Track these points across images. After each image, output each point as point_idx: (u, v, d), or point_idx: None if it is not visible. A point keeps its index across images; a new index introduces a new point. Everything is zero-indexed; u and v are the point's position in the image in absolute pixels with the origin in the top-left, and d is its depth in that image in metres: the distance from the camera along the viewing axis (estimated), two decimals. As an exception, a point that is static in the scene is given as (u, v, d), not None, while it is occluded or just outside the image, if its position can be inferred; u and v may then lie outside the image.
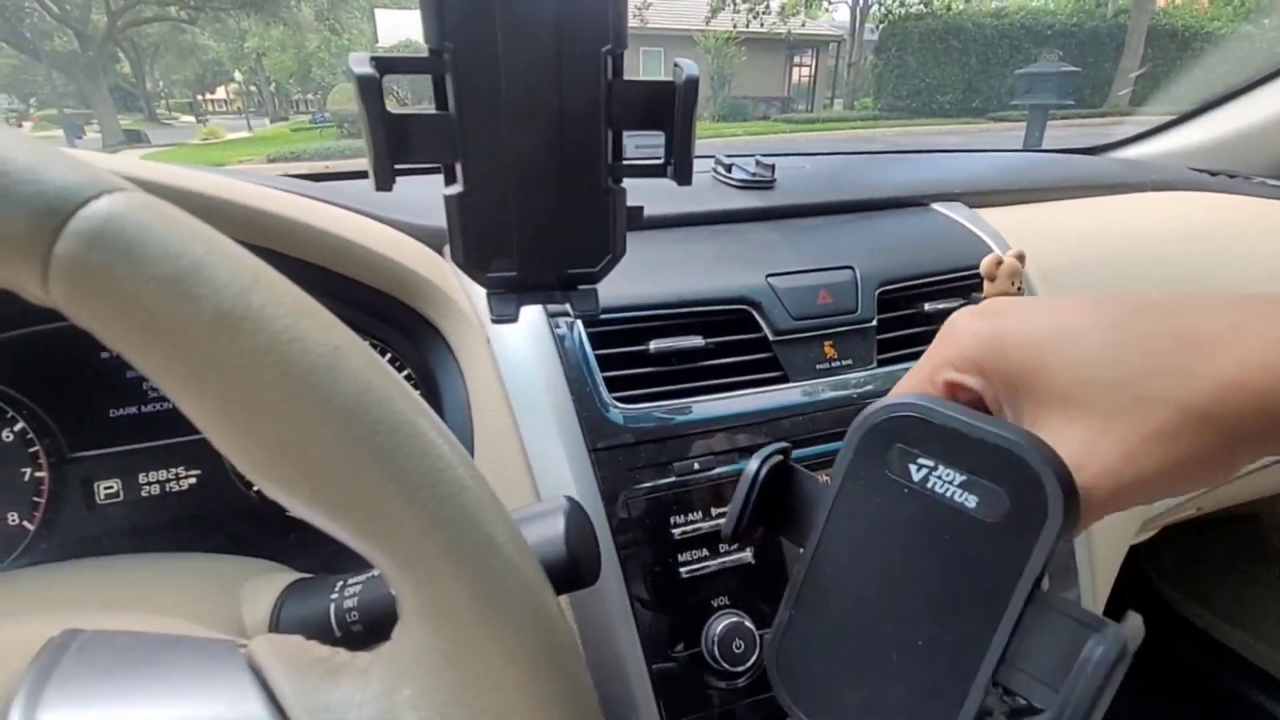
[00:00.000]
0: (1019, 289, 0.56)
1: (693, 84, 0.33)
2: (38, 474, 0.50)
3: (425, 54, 0.32)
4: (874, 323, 0.55)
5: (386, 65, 0.31)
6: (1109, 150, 1.16)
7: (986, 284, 0.56)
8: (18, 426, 0.50)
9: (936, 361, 0.27)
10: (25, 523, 0.50)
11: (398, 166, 0.32)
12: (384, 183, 0.31)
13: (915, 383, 0.28)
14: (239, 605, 0.35)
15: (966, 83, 13.89)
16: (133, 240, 0.16)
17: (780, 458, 0.31)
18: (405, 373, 0.54)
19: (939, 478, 0.25)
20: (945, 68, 13.89)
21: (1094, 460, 0.22)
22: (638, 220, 0.37)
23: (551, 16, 0.31)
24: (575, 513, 0.32)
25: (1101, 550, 0.59)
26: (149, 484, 0.53)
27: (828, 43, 17.75)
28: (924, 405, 0.26)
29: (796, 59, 18.12)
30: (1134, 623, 0.22)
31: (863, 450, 0.27)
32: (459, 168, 0.33)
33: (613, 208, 0.36)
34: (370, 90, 0.29)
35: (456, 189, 0.34)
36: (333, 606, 0.34)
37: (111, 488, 0.52)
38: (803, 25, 15.77)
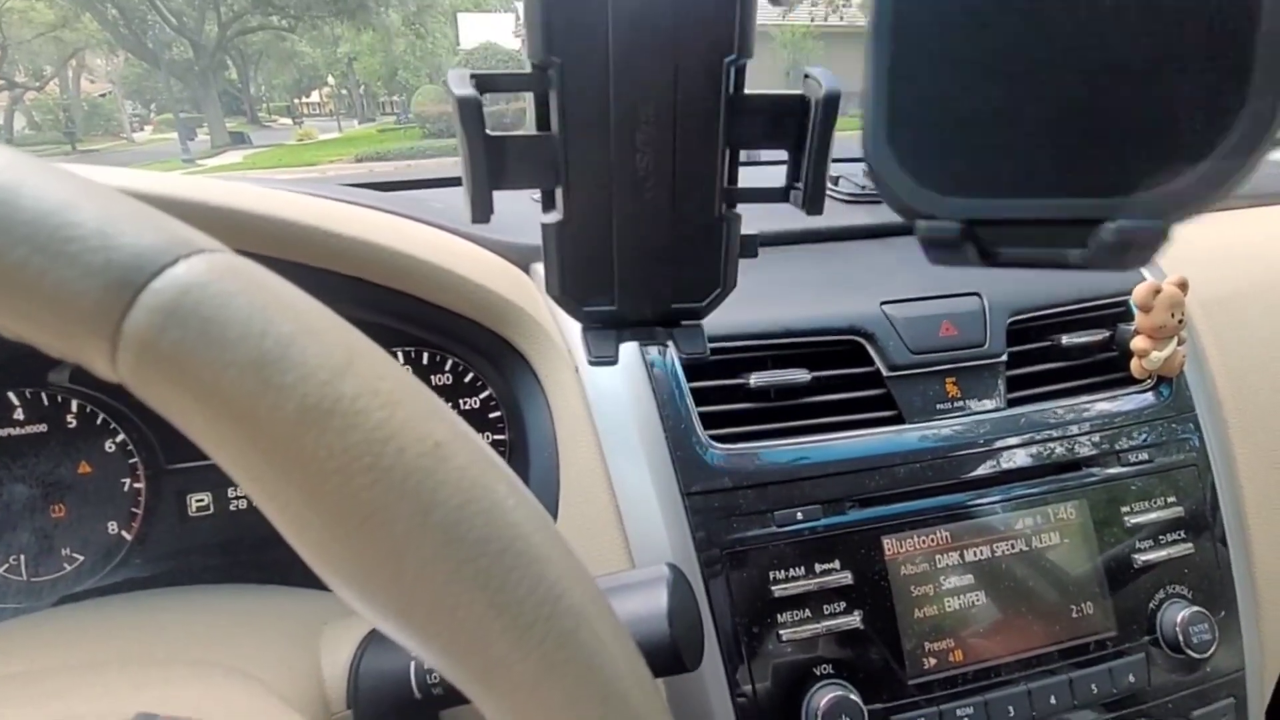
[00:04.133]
0: (1180, 322, 0.48)
1: (833, 101, 0.29)
2: (136, 485, 0.51)
3: (521, 63, 0.29)
4: (1004, 358, 0.48)
5: (487, 84, 0.28)
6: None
7: (1139, 315, 0.49)
8: (119, 438, 0.51)
9: None
10: (124, 533, 0.51)
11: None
12: (482, 214, 0.28)
13: None
14: (318, 652, 0.34)
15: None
16: (210, 317, 0.14)
17: None
18: (487, 394, 0.52)
19: None
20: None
21: None
22: (751, 250, 0.33)
23: (669, 24, 0.27)
24: (679, 586, 0.29)
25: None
26: (237, 498, 0.53)
27: (912, 35, 16.99)
28: None
29: (878, 52, 17.44)
30: None
31: None
32: (559, 193, 0.30)
33: (725, 236, 0.32)
34: (470, 112, 0.27)
35: (556, 216, 0.31)
36: (414, 665, 0.32)
37: (203, 500, 0.52)
38: (886, 17, 15.14)
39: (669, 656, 0.27)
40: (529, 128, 0.31)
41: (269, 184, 0.54)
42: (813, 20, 14.57)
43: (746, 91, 0.30)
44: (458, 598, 0.14)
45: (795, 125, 0.31)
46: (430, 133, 11.94)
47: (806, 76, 0.31)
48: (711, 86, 0.29)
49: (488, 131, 0.28)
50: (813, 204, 0.31)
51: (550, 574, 0.15)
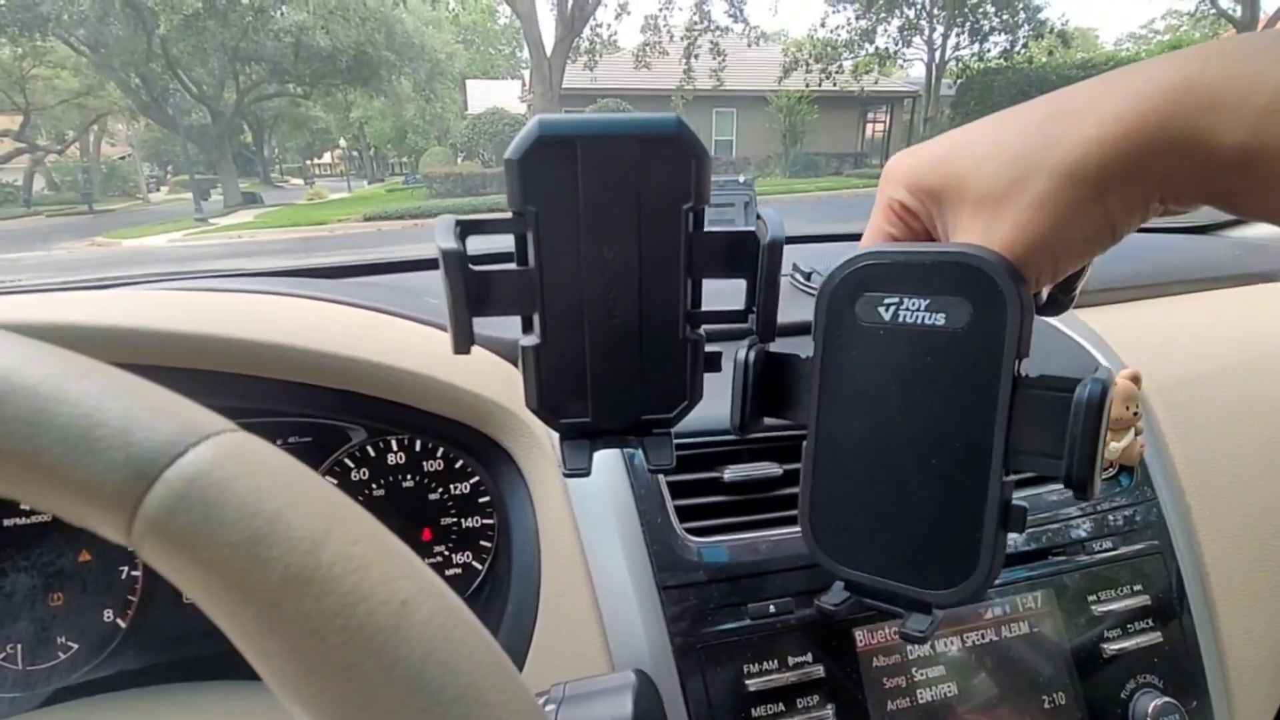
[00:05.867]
0: (1135, 414, 0.51)
1: (777, 246, 0.32)
2: (134, 572, 0.53)
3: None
4: (968, 449, 0.51)
5: (471, 228, 0.32)
6: (1225, 229, 1.06)
7: (1096, 407, 0.51)
8: (119, 525, 0.52)
9: (881, 200, 0.31)
10: (119, 620, 0.52)
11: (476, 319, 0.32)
12: (462, 346, 0.31)
13: (867, 236, 0.32)
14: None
15: (1051, 134, 13.43)
16: (213, 502, 0.16)
17: (761, 346, 0.34)
18: (477, 479, 0.54)
19: (906, 309, 0.28)
20: (1028, 120, 13.51)
21: (992, 241, 0.25)
22: (715, 365, 0.36)
23: (634, 181, 0.31)
24: (644, 693, 0.30)
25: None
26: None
27: (902, 98, 17.68)
28: (874, 251, 0.29)
29: (870, 115, 18.12)
30: (1106, 372, 0.25)
31: (833, 310, 0.31)
32: (537, 318, 0.33)
33: (690, 356, 0.35)
34: (453, 263, 0.30)
35: (533, 339, 0.34)
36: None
37: (196, 587, 0.54)
38: (876, 83, 15.80)
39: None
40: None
41: (261, 280, 0.57)
42: (807, 85, 15.18)
43: (705, 230, 0.33)
44: (417, 744, 0.16)
45: (749, 257, 0.34)
46: (437, 193, 12.30)
47: (759, 218, 0.34)
48: (673, 228, 0.32)
49: (471, 267, 0.32)
50: (765, 333, 0.34)
51: (503, 717, 0.17)
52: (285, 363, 0.40)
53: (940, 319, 0.27)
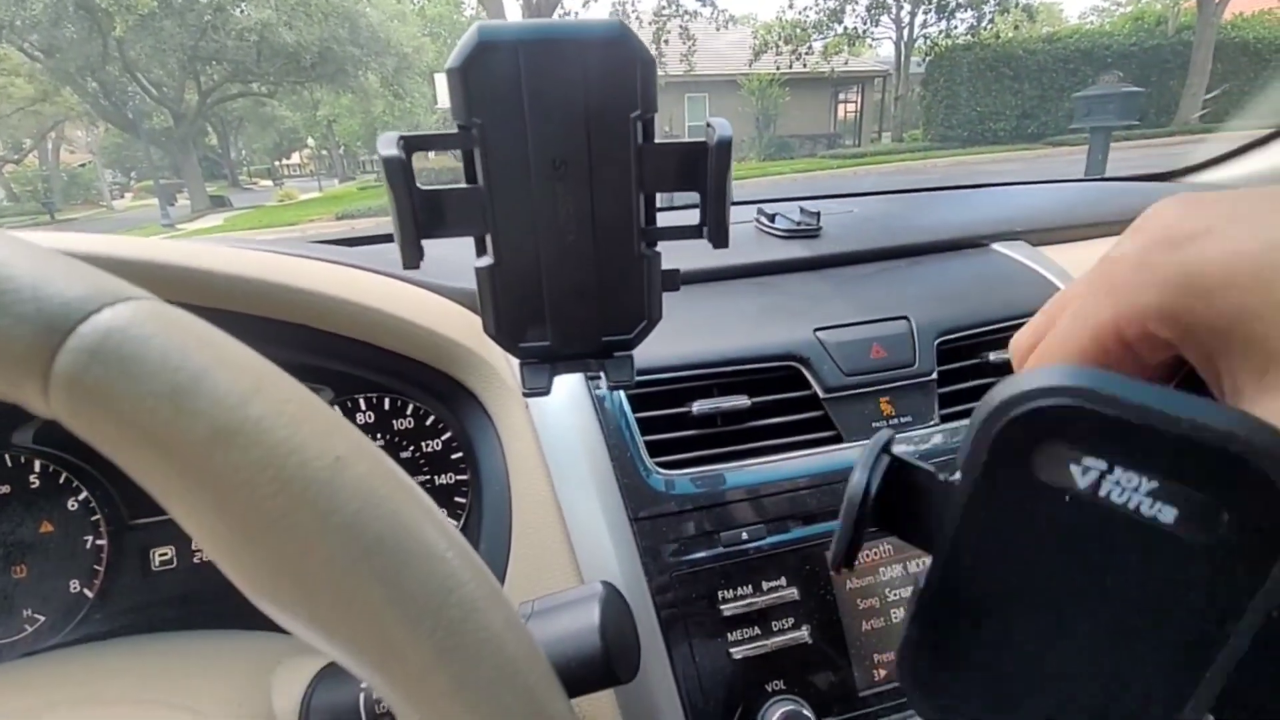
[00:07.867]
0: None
1: (725, 146, 0.32)
2: (99, 542, 0.51)
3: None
4: (934, 376, 0.51)
5: (415, 144, 0.31)
6: (1186, 175, 1.08)
7: (1058, 330, 0.52)
8: (82, 495, 0.51)
9: (1099, 310, 0.18)
10: (85, 590, 0.51)
11: (427, 241, 0.32)
12: (412, 260, 0.31)
13: (1072, 345, 0.19)
14: (269, 691, 0.34)
15: (1021, 109, 13.59)
16: (130, 355, 0.16)
17: (888, 458, 0.23)
18: (448, 435, 0.53)
19: (1116, 483, 0.17)
20: (997, 95, 13.65)
21: None
22: (673, 284, 0.36)
23: (579, 87, 0.30)
24: (612, 601, 0.30)
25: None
26: (200, 550, 0.53)
27: (873, 78, 17.74)
28: (1091, 390, 0.17)
29: (842, 96, 18.16)
30: None
31: (996, 455, 0.19)
32: (489, 239, 0.33)
33: (647, 273, 0.35)
34: (396, 171, 0.29)
35: (487, 260, 0.33)
36: (362, 696, 0.32)
37: (166, 555, 0.53)
38: (846, 63, 15.83)
39: (602, 669, 0.28)
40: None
41: (230, 242, 0.56)
42: (778, 68, 15.17)
43: (656, 141, 0.33)
44: (356, 593, 0.16)
45: (701, 169, 0.34)
46: (410, 188, 12.08)
47: (708, 125, 0.34)
48: (622, 138, 0.32)
49: (419, 186, 0.31)
50: (717, 239, 0.34)
51: (441, 570, 0.17)
52: (242, 294, 0.39)
53: (1169, 514, 0.17)
